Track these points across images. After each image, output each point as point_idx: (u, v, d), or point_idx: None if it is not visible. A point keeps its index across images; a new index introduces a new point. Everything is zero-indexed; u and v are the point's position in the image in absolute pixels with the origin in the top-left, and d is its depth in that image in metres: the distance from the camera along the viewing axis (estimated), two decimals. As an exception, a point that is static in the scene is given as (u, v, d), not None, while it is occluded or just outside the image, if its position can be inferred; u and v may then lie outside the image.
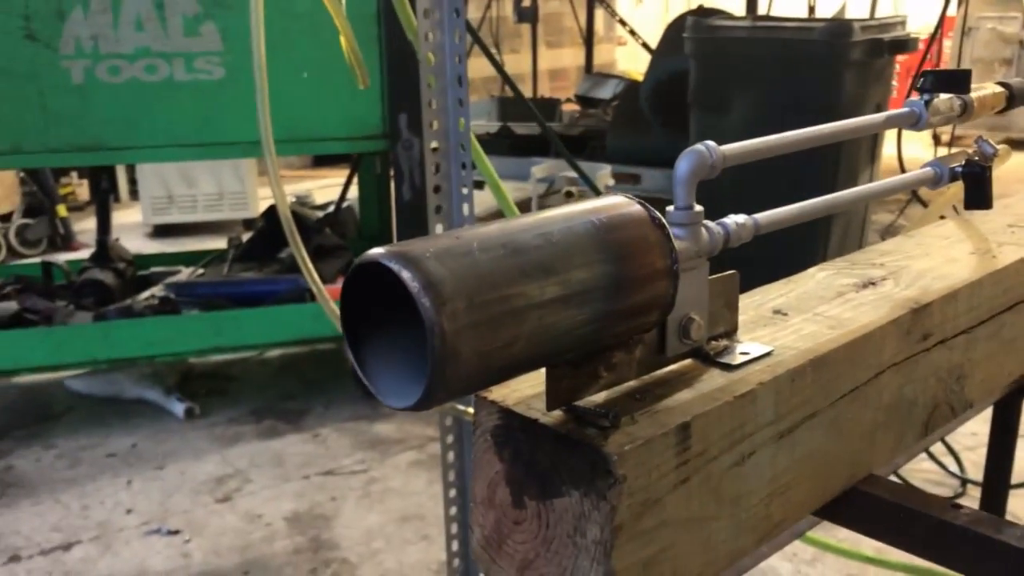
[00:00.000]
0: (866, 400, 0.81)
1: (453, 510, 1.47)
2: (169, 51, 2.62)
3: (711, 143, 0.70)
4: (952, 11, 5.68)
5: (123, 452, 2.87)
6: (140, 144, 2.69)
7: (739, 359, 0.73)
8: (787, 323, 0.81)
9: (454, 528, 1.48)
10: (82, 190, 5.90)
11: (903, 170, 4.65)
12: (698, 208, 0.69)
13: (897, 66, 4.56)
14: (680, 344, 0.71)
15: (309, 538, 2.36)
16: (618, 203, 0.64)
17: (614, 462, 0.59)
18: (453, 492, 1.46)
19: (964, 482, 2.64)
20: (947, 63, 6.41)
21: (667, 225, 0.64)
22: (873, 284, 0.91)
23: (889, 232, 4.87)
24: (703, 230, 0.70)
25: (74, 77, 2.58)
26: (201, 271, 3.49)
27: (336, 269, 3.30)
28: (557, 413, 0.65)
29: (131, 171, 5.96)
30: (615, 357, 0.67)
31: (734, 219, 0.73)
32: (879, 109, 3.45)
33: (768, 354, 0.74)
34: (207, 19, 2.63)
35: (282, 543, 2.36)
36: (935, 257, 0.99)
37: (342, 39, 1.76)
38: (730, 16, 3.97)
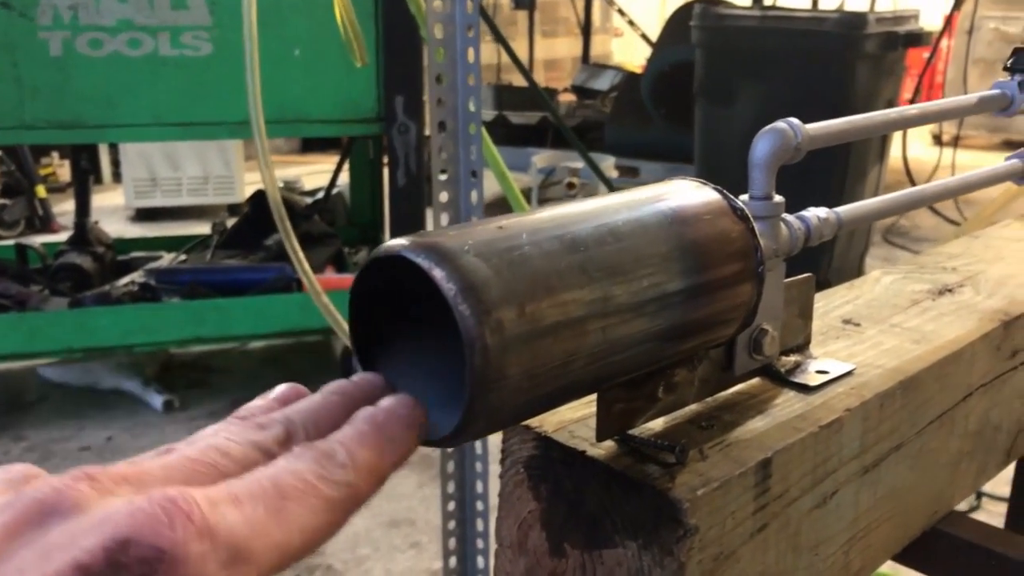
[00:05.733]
0: (952, 427, 0.70)
1: (451, 524, 1.35)
2: (154, 24, 2.48)
3: (794, 120, 0.58)
4: (947, 9, 5.60)
5: (98, 446, 2.74)
6: (121, 122, 2.54)
7: (817, 379, 0.62)
8: (862, 335, 0.70)
9: (452, 543, 1.37)
10: (63, 171, 5.73)
11: (908, 169, 4.55)
12: (778, 198, 0.58)
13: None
14: (750, 360, 0.59)
15: (292, 541, 2.24)
16: (688, 188, 0.52)
17: (685, 509, 0.48)
18: (452, 505, 1.35)
19: (979, 495, 2.54)
20: (950, 63, 6.32)
21: (751, 217, 0.52)
22: (950, 291, 0.80)
23: (892, 232, 4.77)
24: (783, 225, 0.59)
25: (52, 49, 2.43)
26: (183, 257, 3.35)
27: (325, 258, 3.18)
28: (608, 443, 0.53)
29: (114, 152, 5.80)
30: (677, 376, 0.55)
31: (815, 212, 0.62)
32: (890, 104, 3.34)
33: (849, 373, 0.63)
34: (195, -9, 2.49)
35: (263, 546, 2.23)
36: (1012, 262, 0.88)
37: (338, 11, 1.63)
38: (736, 7, 3.86)
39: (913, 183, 4.41)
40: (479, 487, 1.35)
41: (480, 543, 1.37)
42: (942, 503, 0.71)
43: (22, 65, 2.42)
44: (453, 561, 1.36)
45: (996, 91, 0.76)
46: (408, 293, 0.46)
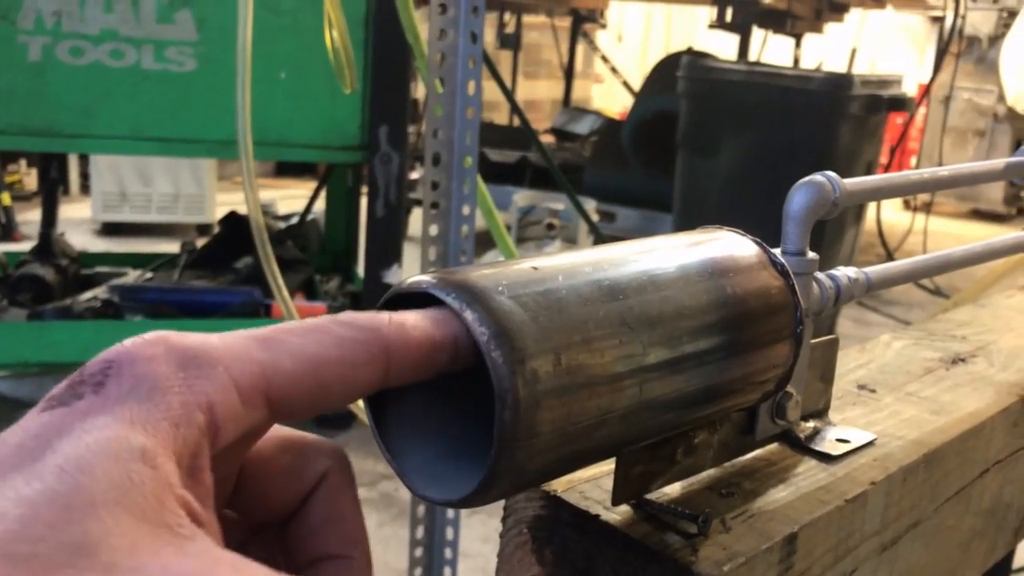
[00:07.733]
0: (968, 504, 0.67)
1: (418, 571, 1.30)
2: (138, 36, 2.43)
3: (831, 173, 0.56)
4: (925, 77, 5.72)
5: (47, 464, 2.63)
6: (98, 133, 2.48)
7: (838, 448, 0.58)
8: (879, 402, 0.67)
9: (417, 590, 1.31)
10: (30, 179, 5.63)
11: (881, 232, 4.59)
12: (812, 255, 0.55)
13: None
14: (772, 425, 0.56)
15: (244, 576, 2.16)
16: (725, 237, 0.49)
17: (710, 587, 0.44)
18: (420, 551, 1.30)
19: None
20: (925, 131, 6.43)
21: (791, 273, 0.49)
22: (963, 361, 0.78)
23: (860, 293, 4.79)
24: (814, 284, 0.56)
25: (31, 54, 2.37)
26: (149, 275, 3.27)
27: (295, 284, 3.11)
28: (624, 508, 0.49)
29: (84, 163, 5.70)
30: (697, 438, 0.52)
31: (845, 272, 0.59)
32: (870, 167, 3.38)
33: (871, 443, 0.59)
34: (183, 6, 2.45)
35: (214, 579, 2.15)
36: (1022, 333, 0.86)
37: (334, 35, 1.60)
38: (723, 60, 3.89)
39: (886, 245, 4.45)
40: (449, 533, 1.30)
41: (447, 592, 1.32)
42: (952, 584, 0.68)
43: (-2, 68, 2.36)
44: (417, 609, 1.31)
45: (1021, 158, 0.74)
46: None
